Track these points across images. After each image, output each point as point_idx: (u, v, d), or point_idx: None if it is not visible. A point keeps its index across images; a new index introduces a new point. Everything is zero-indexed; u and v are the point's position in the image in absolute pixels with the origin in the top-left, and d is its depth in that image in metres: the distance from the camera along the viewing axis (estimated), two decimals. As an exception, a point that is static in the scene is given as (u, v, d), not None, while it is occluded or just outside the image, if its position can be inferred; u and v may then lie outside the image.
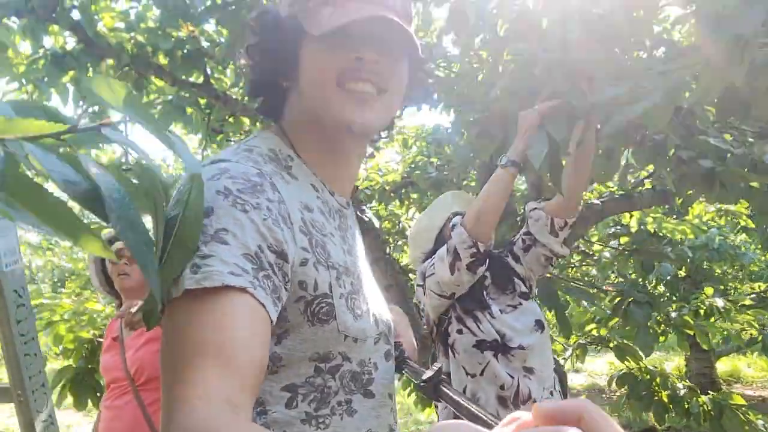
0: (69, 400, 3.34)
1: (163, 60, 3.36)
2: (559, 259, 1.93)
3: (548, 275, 2.51)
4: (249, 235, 0.68)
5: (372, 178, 4.09)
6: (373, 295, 0.89)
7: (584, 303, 2.39)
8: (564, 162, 1.69)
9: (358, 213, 3.44)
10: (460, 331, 1.72)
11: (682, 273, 5.51)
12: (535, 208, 1.79)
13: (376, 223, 3.31)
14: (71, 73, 3.43)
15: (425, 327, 1.89)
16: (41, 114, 0.87)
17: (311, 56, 0.82)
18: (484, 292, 1.75)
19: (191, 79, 3.39)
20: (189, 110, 3.53)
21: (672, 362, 8.85)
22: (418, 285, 1.81)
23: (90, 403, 3.23)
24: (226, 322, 0.63)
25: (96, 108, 4.26)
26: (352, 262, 0.85)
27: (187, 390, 0.59)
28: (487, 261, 1.68)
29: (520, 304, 1.77)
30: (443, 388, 0.95)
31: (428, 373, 0.97)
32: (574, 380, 8.70)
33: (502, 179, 1.61)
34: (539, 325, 1.75)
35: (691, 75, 1.38)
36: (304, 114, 0.86)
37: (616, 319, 2.38)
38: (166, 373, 0.63)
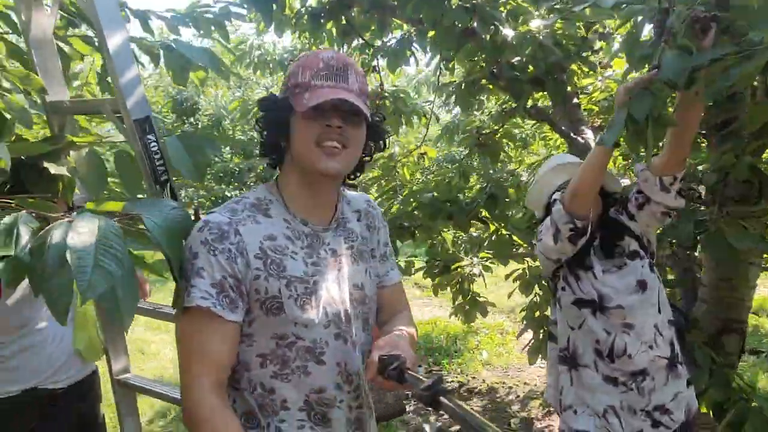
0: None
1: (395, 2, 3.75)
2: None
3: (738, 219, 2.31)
4: (216, 270, 1.14)
5: (609, 88, 3.89)
6: (332, 293, 1.24)
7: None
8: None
9: (572, 134, 3.43)
10: (564, 288, 1.86)
11: None
12: (642, 170, 1.75)
13: (592, 145, 3.26)
14: (330, 23, 4.10)
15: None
16: (202, 148, 1.40)
17: (297, 125, 1.20)
18: (592, 252, 1.82)
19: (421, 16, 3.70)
20: (407, 52, 3.89)
21: None
22: (534, 243, 1.96)
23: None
24: (203, 329, 1.14)
25: (360, 41, 4.94)
26: (316, 271, 1.22)
27: (193, 372, 1.13)
28: (589, 232, 1.73)
29: (625, 264, 1.81)
30: (442, 399, 0.96)
31: (427, 383, 0.99)
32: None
33: (598, 156, 1.64)
34: (641, 285, 1.80)
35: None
36: (294, 164, 1.24)
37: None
38: (180, 360, 1.16)
